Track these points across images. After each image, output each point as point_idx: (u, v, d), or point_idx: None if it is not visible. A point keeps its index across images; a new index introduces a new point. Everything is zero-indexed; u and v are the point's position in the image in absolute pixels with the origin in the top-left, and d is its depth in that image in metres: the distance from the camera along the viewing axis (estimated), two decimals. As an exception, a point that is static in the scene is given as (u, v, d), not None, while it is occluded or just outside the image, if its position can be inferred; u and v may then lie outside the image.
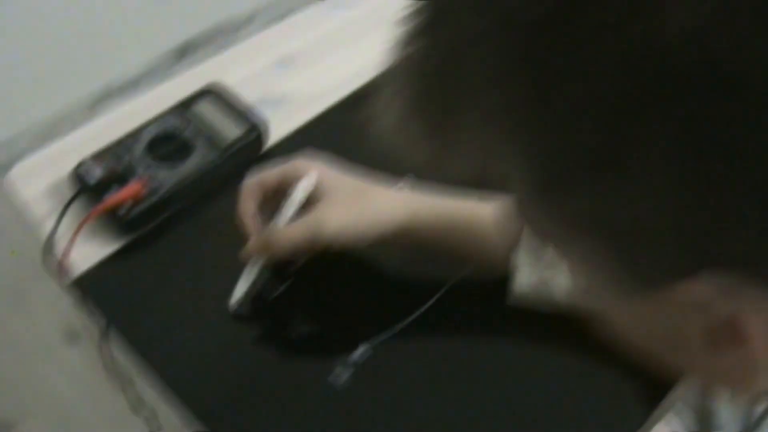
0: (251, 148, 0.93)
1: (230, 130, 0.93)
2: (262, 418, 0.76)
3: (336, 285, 0.84)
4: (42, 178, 0.93)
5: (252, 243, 0.78)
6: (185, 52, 2.41)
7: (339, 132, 0.99)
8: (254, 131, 0.93)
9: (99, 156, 0.90)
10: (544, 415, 0.77)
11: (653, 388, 0.78)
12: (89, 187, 0.87)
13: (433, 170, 0.40)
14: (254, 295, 0.80)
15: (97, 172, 0.88)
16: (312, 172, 0.78)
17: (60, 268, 0.84)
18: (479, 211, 0.78)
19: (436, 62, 0.35)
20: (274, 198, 0.79)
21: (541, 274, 0.77)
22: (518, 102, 0.32)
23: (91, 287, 0.84)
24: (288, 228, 0.76)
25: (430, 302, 0.82)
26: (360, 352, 0.79)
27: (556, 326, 0.79)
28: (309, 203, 0.78)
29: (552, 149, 0.32)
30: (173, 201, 0.89)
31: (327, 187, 0.78)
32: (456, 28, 0.34)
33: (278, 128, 0.97)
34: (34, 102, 2.16)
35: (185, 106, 0.95)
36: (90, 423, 1.80)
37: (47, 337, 1.92)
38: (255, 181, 0.79)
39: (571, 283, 0.42)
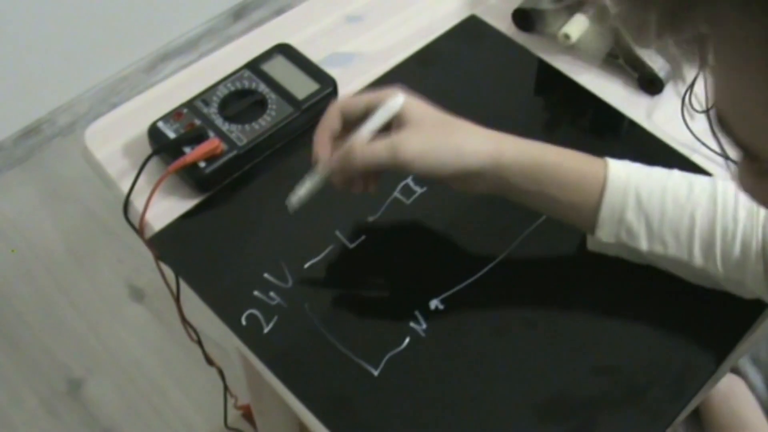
0: (326, 102, 0.93)
1: (305, 85, 0.94)
2: (336, 372, 0.78)
3: (408, 243, 0.86)
4: (112, 140, 0.95)
5: (334, 153, 0.76)
6: (241, 14, 2.43)
7: (408, 88, 0.99)
8: (329, 85, 0.94)
9: (174, 115, 0.91)
10: (618, 363, 0.78)
11: (726, 332, 0.80)
12: (166, 145, 0.88)
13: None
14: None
15: (173, 131, 0.89)
16: (399, 95, 0.76)
17: (140, 226, 0.85)
18: (566, 160, 0.77)
19: None
20: (359, 122, 0.78)
21: (622, 235, 0.77)
22: None
23: (168, 244, 0.85)
24: (370, 145, 0.74)
25: (499, 258, 0.84)
26: (434, 303, 0.81)
27: (631, 275, 0.81)
28: (393, 128, 0.76)
29: None
30: (250, 156, 0.90)
31: (412, 114, 0.75)
32: None
33: (346, 86, 0.98)
34: (94, 65, 2.20)
35: (255, 64, 0.96)
36: (156, 379, 1.85)
37: (113, 295, 1.97)
38: (343, 101, 0.78)
39: None
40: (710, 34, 0.37)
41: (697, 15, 0.36)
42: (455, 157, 0.74)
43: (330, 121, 0.78)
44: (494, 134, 0.77)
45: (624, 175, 0.76)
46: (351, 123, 0.78)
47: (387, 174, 0.78)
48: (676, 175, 0.77)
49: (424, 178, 0.77)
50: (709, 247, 0.74)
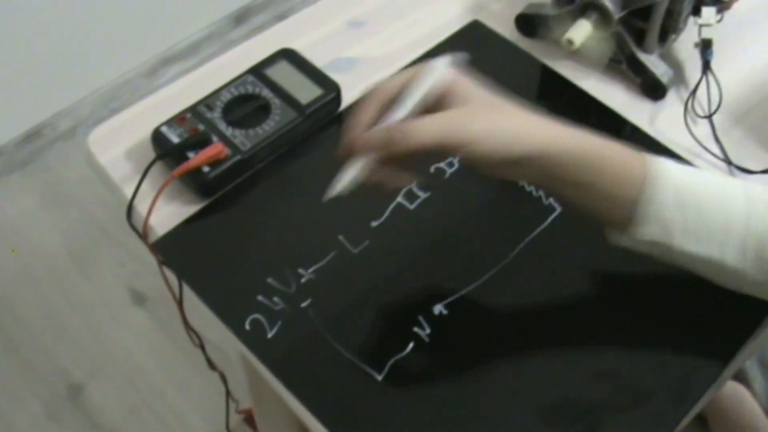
0: (330, 107, 0.95)
1: (309, 90, 0.94)
2: (340, 376, 0.78)
3: (412, 248, 0.86)
4: (115, 144, 0.95)
5: (370, 134, 0.66)
6: (242, 18, 2.44)
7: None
8: (333, 90, 0.94)
9: (177, 119, 0.91)
10: (622, 367, 0.78)
11: (731, 335, 0.80)
12: (170, 150, 0.88)
13: None
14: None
15: (176, 135, 0.89)
16: (442, 64, 0.68)
17: (143, 230, 0.86)
18: (610, 150, 0.72)
19: None
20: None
21: (657, 231, 0.72)
22: None
23: (172, 249, 0.85)
24: (422, 120, 0.65)
25: (502, 264, 0.84)
26: (438, 308, 0.81)
27: (634, 279, 0.81)
28: (437, 108, 0.68)
29: None
30: (254, 161, 0.90)
31: (462, 93, 0.68)
32: None
33: (349, 91, 0.98)
34: (95, 69, 2.20)
35: (259, 69, 0.96)
36: (158, 384, 1.85)
37: (115, 299, 1.98)
38: (379, 89, 0.69)
39: None
40: None
41: None
42: (513, 142, 0.68)
43: (366, 116, 0.68)
44: (542, 120, 0.71)
45: (673, 172, 0.71)
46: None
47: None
48: (731, 180, 0.73)
49: (470, 163, 0.68)
50: (760, 252, 0.70)
